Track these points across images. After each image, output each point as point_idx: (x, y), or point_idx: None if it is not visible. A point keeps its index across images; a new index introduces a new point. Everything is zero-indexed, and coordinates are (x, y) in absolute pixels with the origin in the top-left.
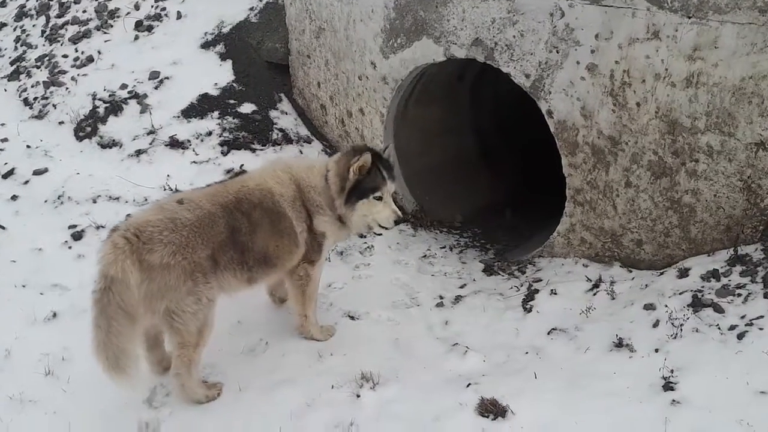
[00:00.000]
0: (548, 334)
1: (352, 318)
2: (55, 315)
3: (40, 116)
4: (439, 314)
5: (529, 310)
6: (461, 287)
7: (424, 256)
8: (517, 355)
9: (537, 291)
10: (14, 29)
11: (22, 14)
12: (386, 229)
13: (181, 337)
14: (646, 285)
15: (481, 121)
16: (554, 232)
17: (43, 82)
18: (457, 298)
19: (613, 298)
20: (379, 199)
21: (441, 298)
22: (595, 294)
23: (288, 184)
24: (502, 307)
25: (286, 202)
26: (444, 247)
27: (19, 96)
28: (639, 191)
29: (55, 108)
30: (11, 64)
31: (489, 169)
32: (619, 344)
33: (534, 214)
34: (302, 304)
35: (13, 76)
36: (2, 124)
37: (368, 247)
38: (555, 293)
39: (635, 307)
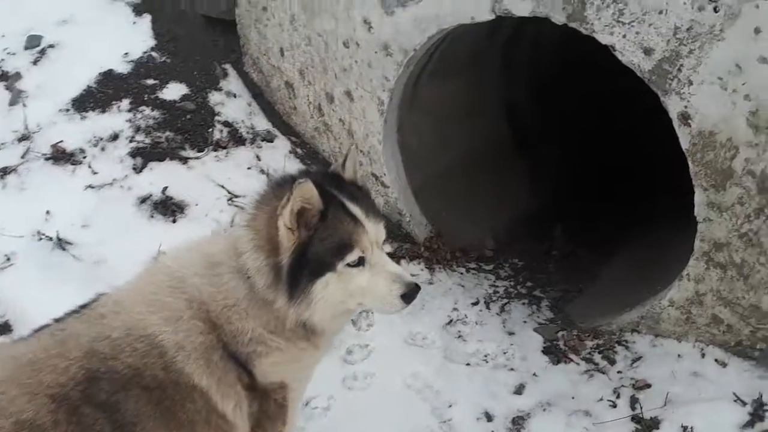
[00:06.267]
0: None
1: None
2: None
3: None
4: None
5: None
6: (517, 391)
7: (450, 321)
8: None
9: (657, 422)
10: None
11: None
12: (392, 313)
13: None
14: None
15: (515, 95)
16: (661, 298)
17: None
18: (517, 422)
19: None
20: (358, 263)
21: (488, 418)
22: None
23: (187, 318)
24: None
25: (192, 359)
26: (477, 303)
27: None
28: None
29: None
30: None
31: (527, 165)
32: None
33: (594, 232)
34: None
35: None
36: None
37: (363, 312)
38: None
39: None
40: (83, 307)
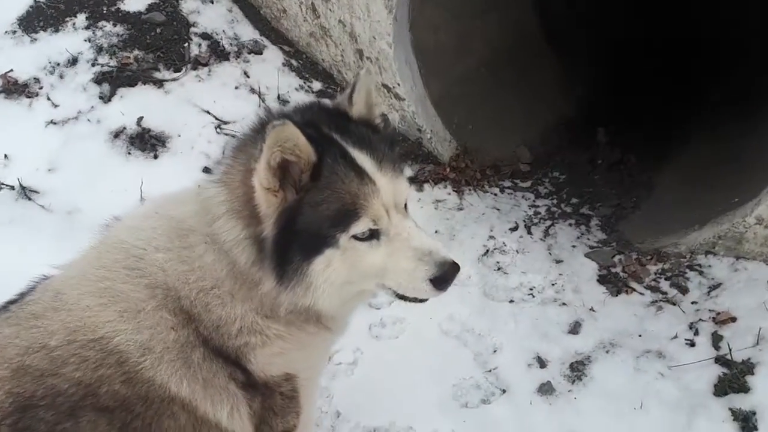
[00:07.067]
0: None
1: None
2: None
3: None
4: (551, 417)
5: (747, 424)
6: (572, 331)
7: (486, 252)
8: None
9: (751, 366)
10: None
11: None
12: (420, 301)
13: None
14: None
15: None
16: (745, 215)
17: None
18: (575, 368)
19: None
20: (371, 235)
21: (541, 364)
22: None
23: (151, 310)
24: (675, 401)
25: (165, 363)
26: (516, 228)
27: None
28: None
29: None
30: None
31: (559, 60)
32: None
33: (642, 134)
34: None
35: None
36: None
37: None
38: None
39: None
40: (12, 302)
